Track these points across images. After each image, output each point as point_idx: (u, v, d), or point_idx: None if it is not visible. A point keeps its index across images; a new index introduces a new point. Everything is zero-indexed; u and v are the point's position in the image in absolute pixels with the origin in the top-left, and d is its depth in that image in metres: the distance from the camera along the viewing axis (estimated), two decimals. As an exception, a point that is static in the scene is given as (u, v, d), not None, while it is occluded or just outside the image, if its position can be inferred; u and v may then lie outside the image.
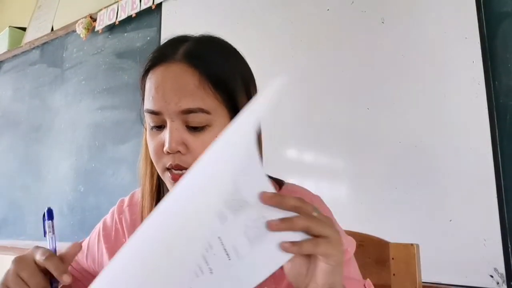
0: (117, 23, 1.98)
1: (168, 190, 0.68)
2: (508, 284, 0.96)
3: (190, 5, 1.75)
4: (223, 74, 0.63)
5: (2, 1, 3.07)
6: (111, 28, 2.05)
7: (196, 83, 0.60)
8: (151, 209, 0.68)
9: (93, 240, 0.79)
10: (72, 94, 2.20)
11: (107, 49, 2.07)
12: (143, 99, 0.66)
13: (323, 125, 1.30)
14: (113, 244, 0.75)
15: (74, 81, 2.20)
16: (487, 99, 1.03)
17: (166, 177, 0.63)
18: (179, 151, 0.60)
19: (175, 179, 0.61)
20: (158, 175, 0.68)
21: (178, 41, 0.65)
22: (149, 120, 0.63)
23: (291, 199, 0.46)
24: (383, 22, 1.23)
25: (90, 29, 2.10)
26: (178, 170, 0.61)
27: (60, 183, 2.13)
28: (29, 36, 2.56)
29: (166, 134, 0.60)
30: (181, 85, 0.60)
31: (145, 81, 0.65)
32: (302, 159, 1.35)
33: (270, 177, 0.73)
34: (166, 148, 0.60)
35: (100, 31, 2.06)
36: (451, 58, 1.10)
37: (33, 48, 2.50)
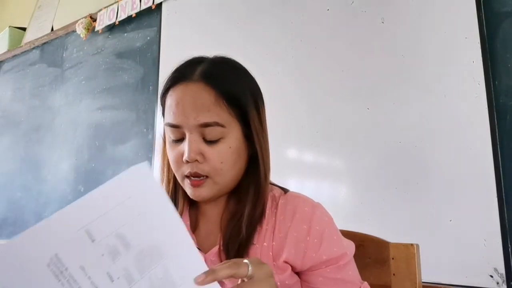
0: (117, 23, 1.99)
1: (183, 194, 0.75)
2: (508, 284, 0.96)
3: (190, 5, 1.75)
4: (236, 92, 0.71)
5: (2, 1, 3.07)
6: (111, 28, 2.05)
7: (212, 100, 0.68)
8: None
9: None
10: (72, 94, 2.20)
11: (107, 49, 2.07)
12: (163, 114, 0.74)
13: (323, 125, 1.30)
14: None
15: (74, 81, 2.21)
16: (487, 99, 1.03)
17: (186, 184, 0.70)
18: (197, 160, 0.68)
19: (194, 184, 0.69)
20: (174, 182, 0.76)
21: (195, 63, 0.72)
22: (169, 133, 0.71)
23: (224, 269, 0.50)
24: (383, 22, 1.23)
25: (90, 29, 2.11)
26: (196, 177, 0.68)
27: (60, 183, 2.13)
28: (29, 36, 2.56)
29: (185, 145, 0.68)
30: (199, 101, 0.68)
31: (165, 99, 0.72)
32: (302, 159, 1.35)
33: (275, 185, 0.76)
34: (185, 157, 0.67)
35: (100, 31, 2.06)
36: (451, 58, 1.10)
37: (33, 48, 2.50)
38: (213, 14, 1.66)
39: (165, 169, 0.78)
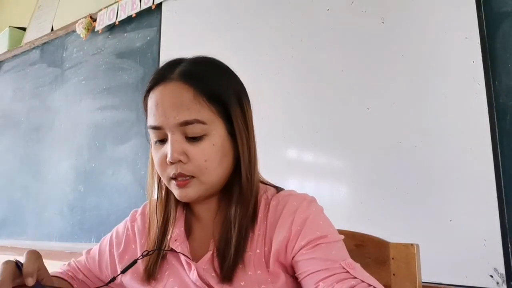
0: (117, 23, 1.99)
1: (175, 200, 0.74)
2: (508, 284, 0.96)
3: (190, 5, 1.75)
4: (216, 88, 0.69)
5: (2, 1, 3.07)
6: (111, 28, 2.05)
7: (191, 98, 0.67)
8: (159, 221, 0.74)
9: (104, 247, 0.82)
10: (72, 94, 2.20)
11: (107, 49, 2.07)
12: (146, 117, 0.73)
13: (323, 125, 1.30)
14: (123, 249, 0.78)
15: (74, 81, 2.21)
16: (487, 99, 1.03)
17: (172, 185, 0.69)
18: (180, 161, 0.67)
19: (180, 185, 0.68)
20: (166, 189, 0.74)
21: (174, 63, 0.72)
22: (152, 136, 0.70)
23: None
24: (383, 22, 1.23)
25: (90, 29, 2.10)
26: (182, 177, 0.67)
27: (60, 183, 2.13)
28: (29, 36, 2.56)
29: (168, 146, 0.67)
30: (178, 100, 0.67)
31: (146, 101, 0.72)
32: (302, 159, 1.35)
33: (273, 186, 0.75)
34: (168, 158, 0.66)
35: (100, 31, 2.06)
36: (451, 58, 1.10)
37: (33, 48, 2.50)
38: (213, 14, 1.66)
39: (155, 176, 0.76)
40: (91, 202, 1.96)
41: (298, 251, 0.64)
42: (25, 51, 2.54)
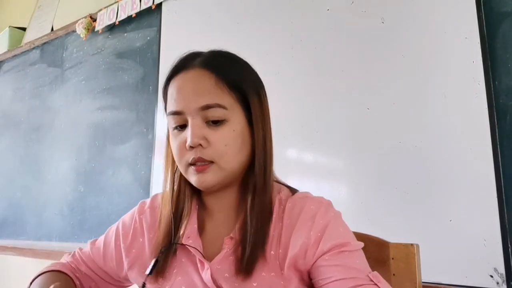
0: (117, 23, 1.99)
1: (189, 194, 0.73)
2: (508, 284, 0.96)
3: (190, 5, 1.75)
4: (236, 77, 0.70)
5: (2, 1, 3.07)
6: (111, 28, 2.05)
7: (212, 84, 0.68)
8: (169, 217, 0.73)
9: (109, 238, 0.80)
10: (72, 94, 2.20)
11: (107, 49, 2.07)
12: (165, 108, 0.73)
13: (323, 125, 1.30)
14: (130, 242, 0.76)
15: (74, 81, 2.21)
16: (487, 99, 1.03)
17: (190, 172, 0.68)
18: (200, 145, 0.66)
19: (199, 170, 0.67)
20: (179, 184, 0.74)
21: (193, 55, 0.73)
22: (171, 122, 0.70)
23: None
24: (383, 22, 1.23)
25: (90, 29, 2.10)
26: (201, 162, 0.66)
27: (60, 183, 2.13)
28: (29, 36, 2.56)
29: (188, 131, 0.67)
30: (200, 85, 0.68)
31: (167, 90, 0.72)
32: (302, 159, 1.35)
33: (287, 186, 0.75)
34: (188, 143, 0.66)
35: (100, 31, 2.06)
36: (451, 58, 1.10)
37: (33, 48, 2.50)
38: (213, 14, 1.66)
39: (170, 169, 0.75)
40: (91, 202, 1.96)
41: (320, 256, 0.63)
42: (25, 51, 2.54)
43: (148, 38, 1.89)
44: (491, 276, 0.98)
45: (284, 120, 1.38)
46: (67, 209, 2.06)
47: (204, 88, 0.68)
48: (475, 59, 1.06)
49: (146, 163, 1.77)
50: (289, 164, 1.36)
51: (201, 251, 0.68)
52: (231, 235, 0.68)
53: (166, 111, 0.73)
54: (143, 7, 1.86)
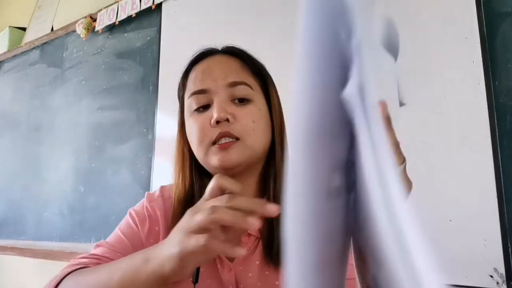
0: (117, 23, 1.99)
1: (202, 189, 0.67)
2: (508, 284, 0.96)
3: (190, 5, 1.75)
4: (257, 64, 0.73)
5: (2, 1, 3.07)
6: (111, 28, 2.05)
7: (238, 66, 0.69)
8: (179, 213, 0.65)
9: (127, 228, 0.71)
10: (72, 94, 2.20)
11: (107, 49, 2.07)
12: (181, 97, 0.72)
13: (323, 125, 1.30)
14: (148, 230, 0.69)
15: (74, 81, 2.21)
16: (487, 99, 1.03)
17: (212, 151, 0.64)
18: (227, 120, 0.63)
19: (223, 147, 0.63)
20: (190, 181, 0.69)
21: (213, 48, 0.74)
22: (193, 104, 0.67)
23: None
24: (383, 22, 1.23)
25: (90, 29, 2.10)
26: (227, 137, 0.63)
27: (60, 183, 2.13)
28: (29, 36, 2.56)
29: (213, 108, 0.64)
30: (227, 66, 0.68)
31: (187, 76, 0.71)
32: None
33: None
34: (215, 117, 0.63)
35: (100, 31, 2.06)
36: (451, 58, 1.10)
37: (33, 48, 2.50)
38: (213, 14, 1.66)
39: (183, 163, 0.70)
40: (91, 202, 1.96)
41: None
42: (25, 51, 2.54)
43: (148, 38, 1.89)
44: (491, 276, 0.98)
45: (284, 120, 1.38)
46: (67, 209, 2.06)
47: (231, 68, 0.68)
48: (475, 59, 1.06)
49: (146, 163, 1.77)
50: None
51: None
52: (249, 231, 0.65)
53: (184, 97, 0.70)
54: (143, 7, 1.86)
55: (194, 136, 0.66)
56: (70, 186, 2.08)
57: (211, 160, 0.64)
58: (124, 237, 0.69)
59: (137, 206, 0.75)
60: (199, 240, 0.45)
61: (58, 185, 2.14)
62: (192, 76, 0.70)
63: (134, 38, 1.95)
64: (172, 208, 0.69)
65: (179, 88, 0.74)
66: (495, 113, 1.02)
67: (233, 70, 0.68)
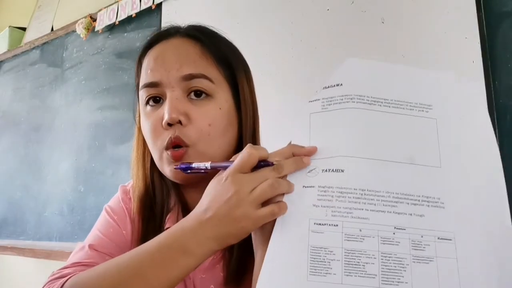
0: (117, 23, 1.98)
1: (165, 190, 0.62)
2: (508, 284, 0.96)
3: (190, 5, 1.75)
4: (224, 50, 0.62)
5: (2, 1, 3.07)
6: (111, 28, 2.05)
7: (198, 53, 0.58)
8: (139, 215, 0.62)
9: (106, 232, 0.64)
10: (72, 94, 2.20)
11: (107, 49, 2.07)
12: (137, 81, 0.62)
13: (323, 125, 1.30)
14: (130, 226, 0.64)
15: (74, 81, 2.20)
16: (487, 99, 1.03)
17: (165, 160, 0.57)
18: (179, 123, 0.56)
19: (176, 156, 0.55)
20: (152, 179, 0.62)
21: (175, 27, 0.64)
22: (143, 97, 0.60)
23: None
24: (383, 22, 1.23)
25: (90, 29, 2.10)
26: (178, 145, 0.56)
27: (60, 183, 2.13)
28: (29, 36, 2.56)
29: (165, 106, 0.56)
30: (183, 53, 0.58)
31: (141, 63, 0.63)
32: (302, 159, 1.35)
33: None
34: (166, 119, 0.55)
35: (100, 31, 2.06)
36: (451, 58, 1.10)
37: (33, 48, 2.49)
38: (213, 14, 1.66)
39: (141, 162, 0.64)
40: (91, 202, 1.96)
41: None
42: (25, 51, 2.54)
43: (148, 38, 1.89)
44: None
45: (284, 120, 1.38)
46: (67, 209, 2.06)
47: (187, 56, 0.57)
48: (475, 59, 1.06)
49: (146, 163, 1.77)
50: (289, 164, 1.36)
51: None
52: None
53: (137, 88, 0.61)
54: (143, 7, 1.86)
55: (147, 136, 0.60)
56: (70, 186, 2.08)
57: (165, 169, 0.58)
58: (105, 238, 0.62)
59: (114, 203, 0.69)
60: (273, 209, 0.44)
61: (58, 185, 2.14)
62: (145, 62, 0.62)
63: (134, 38, 1.95)
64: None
65: (136, 73, 0.63)
66: (495, 113, 1.02)
67: (190, 59, 0.57)
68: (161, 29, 0.64)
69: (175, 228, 0.46)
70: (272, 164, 0.46)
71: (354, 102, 0.48)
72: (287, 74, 1.41)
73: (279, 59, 1.44)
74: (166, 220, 0.61)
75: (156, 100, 0.59)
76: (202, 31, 0.63)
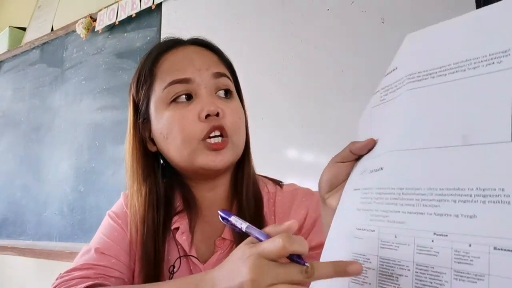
0: (117, 23, 1.98)
1: (173, 187, 0.65)
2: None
3: (190, 5, 1.75)
4: (230, 61, 0.68)
5: (2, 1, 3.07)
6: (111, 28, 2.05)
7: (215, 58, 0.65)
8: (144, 218, 0.63)
9: (111, 235, 0.67)
10: (72, 94, 2.20)
11: (107, 49, 2.07)
12: (148, 89, 0.62)
13: (323, 125, 1.30)
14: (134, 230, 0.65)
15: (74, 81, 2.21)
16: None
17: (201, 150, 0.58)
18: (217, 115, 0.59)
19: (218, 147, 0.57)
20: (155, 181, 0.63)
21: (179, 39, 0.71)
22: (171, 93, 0.60)
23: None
24: (383, 22, 1.23)
25: (90, 29, 2.10)
26: (219, 135, 0.58)
27: (60, 183, 2.13)
28: (29, 36, 2.56)
29: (202, 101, 0.59)
30: (207, 56, 0.64)
31: (158, 65, 0.63)
32: (302, 159, 1.35)
33: (270, 179, 0.73)
34: (206, 111, 0.58)
35: (100, 31, 2.06)
36: (451, 58, 1.10)
37: (33, 48, 2.50)
38: (213, 14, 1.66)
39: (139, 163, 0.63)
40: (91, 202, 1.96)
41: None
42: (25, 51, 2.54)
43: (148, 38, 1.89)
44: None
45: (284, 120, 1.38)
46: (67, 209, 2.06)
47: (211, 59, 0.63)
48: (475, 59, 1.06)
49: (146, 163, 1.77)
50: (289, 164, 1.36)
51: (196, 255, 0.63)
52: (222, 235, 0.63)
53: (153, 89, 0.62)
54: (143, 7, 1.86)
55: (177, 131, 0.59)
56: (70, 186, 2.08)
57: (201, 159, 0.59)
58: (110, 241, 0.64)
59: (117, 208, 0.72)
60: None
61: (58, 185, 2.14)
62: (165, 65, 0.63)
63: (134, 38, 1.95)
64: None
65: (140, 81, 0.65)
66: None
67: (214, 61, 0.63)
68: (167, 39, 0.70)
69: None
70: (305, 264, 0.37)
71: (404, 85, 0.41)
72: (287, 74, 1.41)
73: (279, 59, 1.44)
74: (173, 222, 0.64)
75: (189, 97, 0.61)
76: (208, 43, 0.70)
